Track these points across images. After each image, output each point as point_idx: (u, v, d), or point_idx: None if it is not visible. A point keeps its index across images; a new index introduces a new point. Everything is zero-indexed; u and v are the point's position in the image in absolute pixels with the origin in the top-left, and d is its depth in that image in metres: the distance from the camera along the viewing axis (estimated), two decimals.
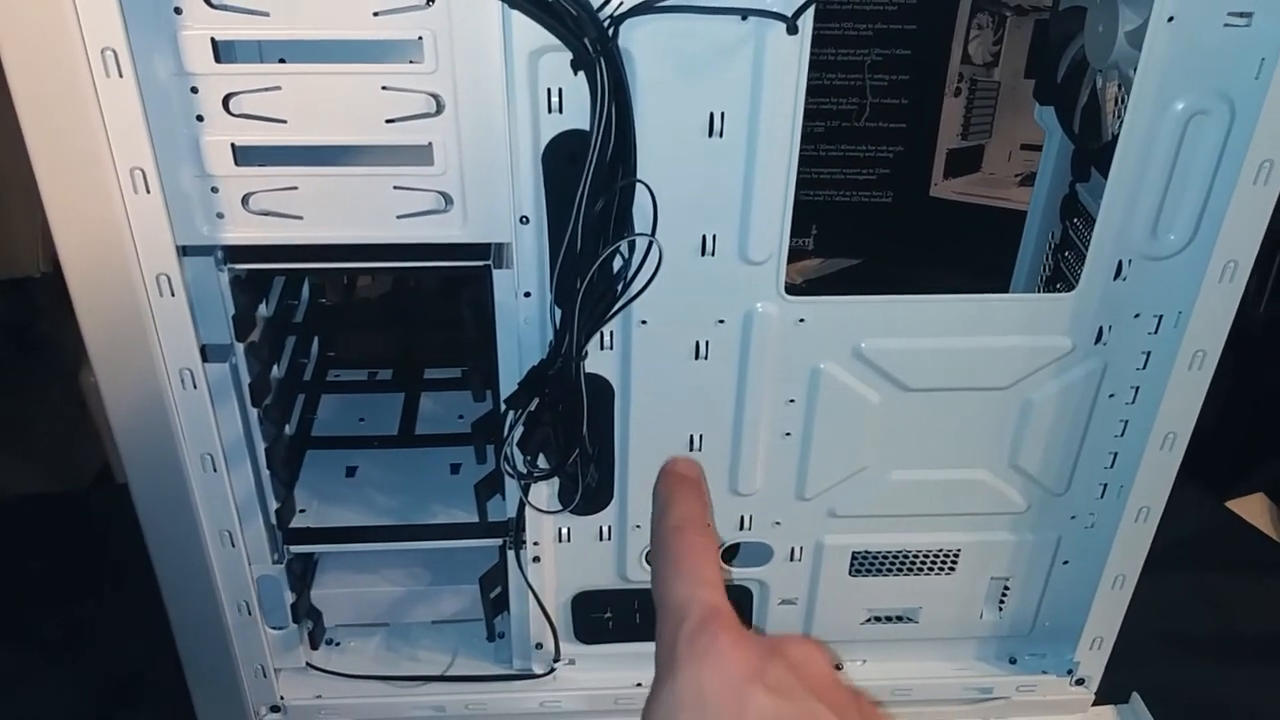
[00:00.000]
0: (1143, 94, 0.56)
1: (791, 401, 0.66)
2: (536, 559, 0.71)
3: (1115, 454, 0.69)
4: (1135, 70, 0.64)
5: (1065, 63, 0.74)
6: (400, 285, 0.82)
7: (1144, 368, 0.65)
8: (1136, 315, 0.63)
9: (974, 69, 1.33)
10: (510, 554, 0.72)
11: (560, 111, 0.56)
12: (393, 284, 0.85)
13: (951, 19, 1.14)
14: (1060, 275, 0.76)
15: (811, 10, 0.53)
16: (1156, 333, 0.64)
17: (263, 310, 0.69)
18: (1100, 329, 0.64)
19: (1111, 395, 0.66)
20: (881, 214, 1.28)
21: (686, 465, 0.59)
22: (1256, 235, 0.58)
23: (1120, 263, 0.62)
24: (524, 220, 0.59)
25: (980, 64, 1.34)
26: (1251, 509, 1.84)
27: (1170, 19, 0.54)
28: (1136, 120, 0.57)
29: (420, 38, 0.54)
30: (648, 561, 0.70)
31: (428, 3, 0.53)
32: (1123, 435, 0.68)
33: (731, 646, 0.41)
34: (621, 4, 0.52)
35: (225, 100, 0.55)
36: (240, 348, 0.63)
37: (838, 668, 0.80)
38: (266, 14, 0.53)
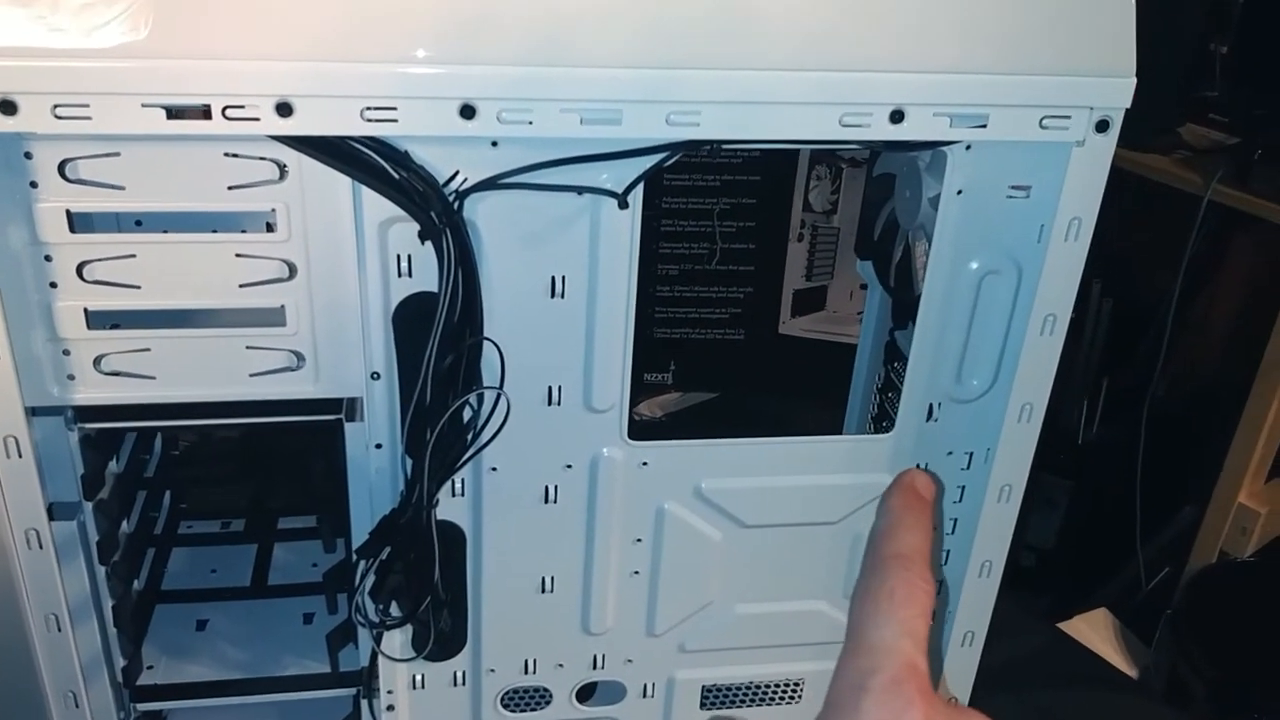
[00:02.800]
0: (940, 255, 0.63)
1: (638, 541, 0.69)
2: (390, 707, 0.71)
3: (941, 582, 0.74)
4: None
5: (880, 223, 0.81)
6: (252, 435, 0.83)
7: (960, 500, 0.70)
8: (950, 453, 0.69)
9: (815, 216, 1.43)
10: (364, 703, 0.72)
11: (410, 275, 0.59)
12: (244, 434, 0.85)
13: (792, 170, 1.22)
14: (884, 414, 0.82)
15: (641, 186, 0.58)
16: (969, 468, 0.69)
17: (113, 466, 0.69)
18: (917, 467, 0.69)
19: (934, 528, 0.71)
20: (735, 350, 1.34)
21: (926, 484, 0.51)
22: (1047, 379, 0.65)
23: (931, 405, 0.67)
24: (375, 376, 0.62)
25: (820, 211, 1.44)
26: (1095, 622, 1.93)
27: (959, 191, 0.61)
28: (937, 278, 0.64)
29: (274, 209, 0.57)
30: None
31: (281, 177, 0.56)
32: (946, 563, 0.73)
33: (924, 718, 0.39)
34: (465, 180, 0.56)
35: (79, 268, 0.56)
36: (88, 506, 0.63)
37: None
38: (123, 188, 0.55)
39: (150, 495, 0.75)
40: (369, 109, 0.51)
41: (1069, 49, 0.55)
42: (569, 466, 0.66)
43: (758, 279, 1.34)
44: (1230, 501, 1.90)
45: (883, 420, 0.82)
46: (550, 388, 0.63)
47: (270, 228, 0.57)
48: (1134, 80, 0.56)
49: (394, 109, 0.52)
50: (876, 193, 0.81)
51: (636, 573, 0.70)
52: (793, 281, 1.43)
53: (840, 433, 0.89)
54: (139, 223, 0.62)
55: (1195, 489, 1.97)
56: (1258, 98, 1.81)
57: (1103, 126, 0.57)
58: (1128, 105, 0.57)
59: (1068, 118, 0.56)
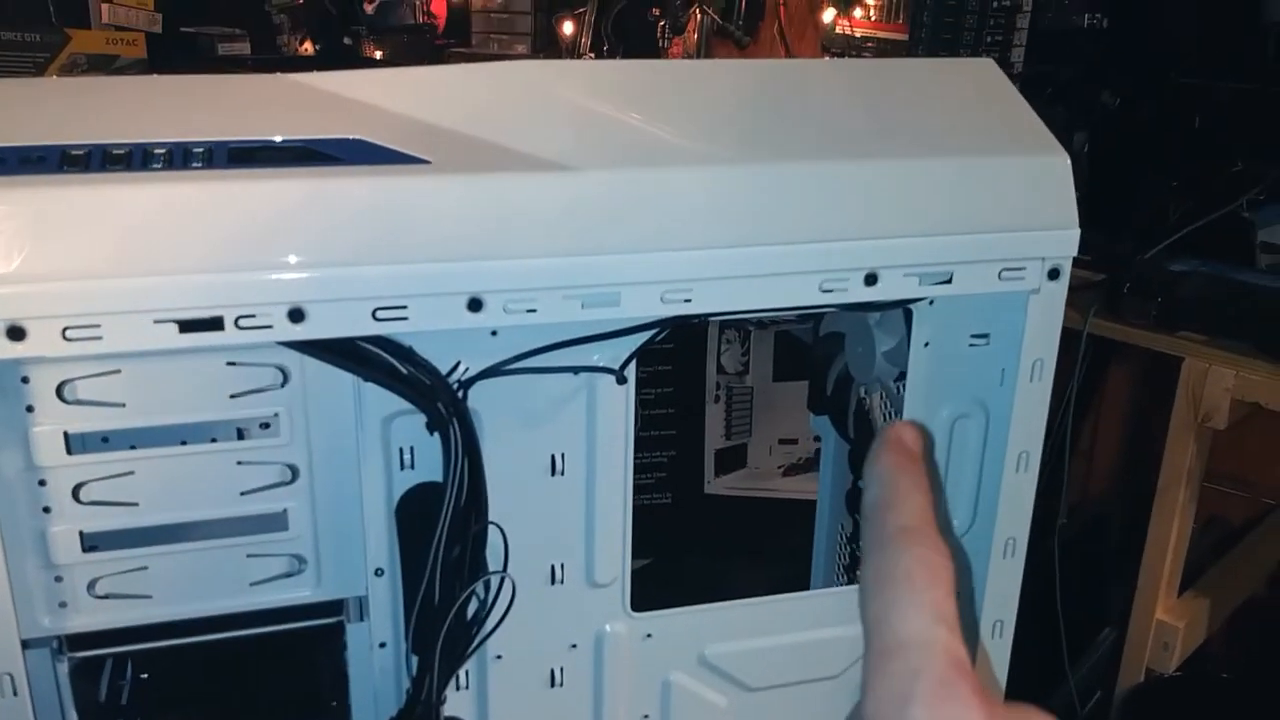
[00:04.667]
0: (914, 404, 0.66)
1: (646, 717, 0.68)
2: None
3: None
4: (895, 381, 0.75)
5: (832, 378, 0.85)
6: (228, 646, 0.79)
7: None
8: None
9: (728, 377, 1.47)
10: None
11: (412, 468, 0.59)
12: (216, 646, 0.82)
13: (703, 335, 1.26)
14: (858, 562, 0.84)
15: (635, 363, 0.60)
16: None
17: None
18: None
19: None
20: (663, 513, 1.35)
21: (913, 436, 0.41)
22: (1026, 514, 0.68)
23: None
24: (379, 572, 0.61)
25: (733, 372, 1.49)
26: None
27: (926, 344, 0.65)
28: None
29: (276, 414, 0.57)
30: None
31: (283, 382, 0.56)
32: None
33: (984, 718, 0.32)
34: (467, 370, 0.58)
35: (75, 489, 0.55)
36: None
37: None
38: (123, 404, 0.55)
39: None
40: (380, 309, 0.53)
41: (1021, 207, 0.60)
42: (574, 646, 0.66)
43: (680, 441, 1.37)
44: (1149, 620, 1.95)
45: (856, 569, 0.83)
46: (553, 566, 0.64)
47: (268, 431, 0.57)
48: (1078, 231, 0.61)
49: (405, 307, 0.53)
50: (825, 350, 0.85)
51: None
52: (713, 441, 1.47)
53: (806, 587, 0.90)
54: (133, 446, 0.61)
55: (1110, 611, 2.02)
56: (1116, 236, 1.97)
57: (1054, 274, 0.62)
58: (1074, 254, 0.62)
59: (1023, 269, 0.61)
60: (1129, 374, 2.15)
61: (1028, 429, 0.66)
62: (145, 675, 0.63)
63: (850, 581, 0.83)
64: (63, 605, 0.57)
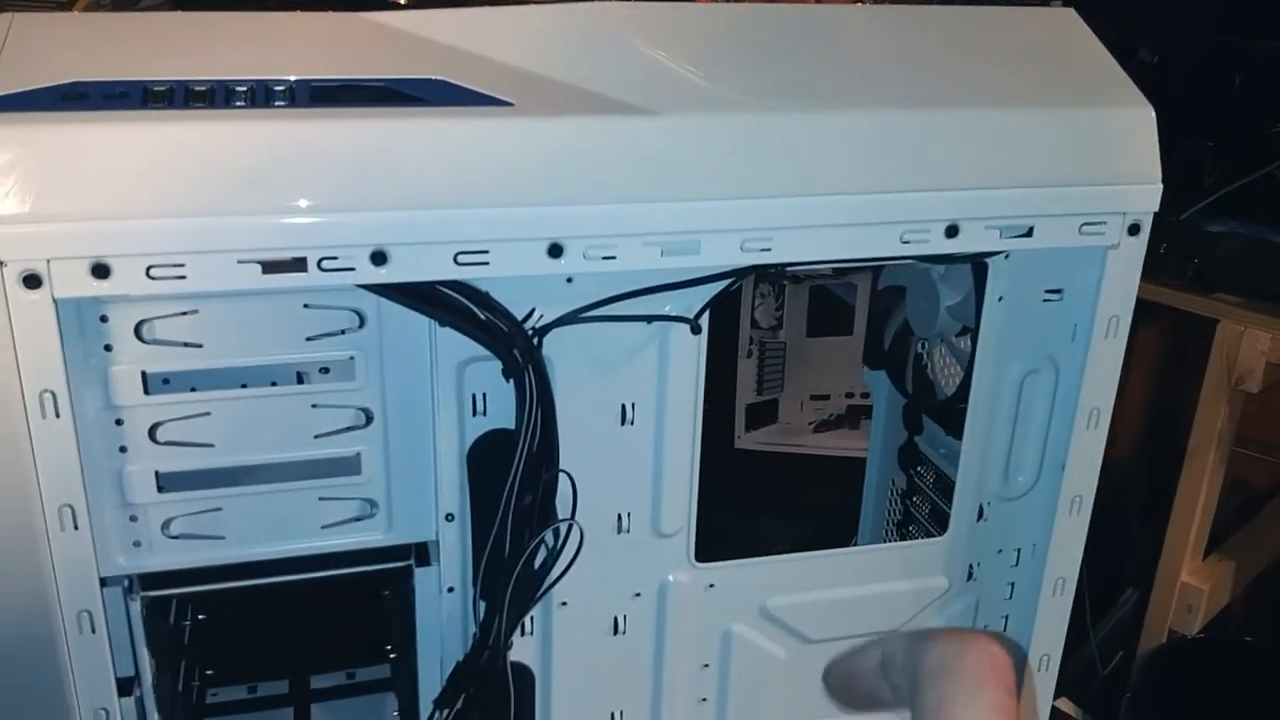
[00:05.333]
0: (984, 360, 0.66)
1: (706, 666, 0.68)
2: None
3: None
4: (957, 336, 0.75)
5: (890, 332, 0.84)
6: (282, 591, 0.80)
7: (1010, 598, 0.72)
8: (999, 551, 0.71)
9: (761, 332, 1.47)
10: None
11: (485, 414, 0.59)
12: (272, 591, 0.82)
13: (738, 290, 1.26)
14: (912, 518, 0.84)
15: (708, 313, 0.60)
16: (1017, 565, 0.71)
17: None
18: (970, 566, 0.71)
19: (986, 626, 0.73)
20: None
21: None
22: (1094, 471, 0.67)
23: (981, 505, 0.69)
24: (449, 517, 0.61)
25: (766, 327, 1.48)
26: (1057, 710, 1.95)
27: (1000, 298, 0.64)
28: (982, 382, 0.66)
29: (351, 357, 0.56)
30: None
31: (360, 325, 0.56)
32: None
33: None
34: (542, 316, 0.57)
35: (152, 429, 0.55)
36: (147, 681, 0.60)
37: None
38: (200, 345, 0.54)
39: (189, 664, 0.72)
40: (462, 253, 0.52)
41: (1104, 160, 0.59)
42: (638, 595, 0.66)
43: (711, 395, 1.36)
44: (1174, 582, 1.95)
45: (909, 524, 0.83)
46: (620, 515, 0.64)
47: (347, 375, 0.57)
48: (1160, 186, 0.60)
49: (486, 251, 0.52)
50: (884, 304, 0.85)
51: (704, 699, 0.69)
52: (745, 396, 1.46)
53: (843, 543, 0.90)
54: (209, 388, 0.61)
55: (1133, 572, 2.02)
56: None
57: (1134, 230, 0.61)
58: (1155, 209, 0.61)
59: (1104, 223, 0.60)
60: (1159, 334, 2.13)
61: (1100, 385, 0.65)
62: (214, 615, 0.64)
63: (903, 537, 0.83)
64: (137, 545, 0.57)
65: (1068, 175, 0.59)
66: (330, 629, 0.70)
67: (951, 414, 0.77)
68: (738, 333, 1.36)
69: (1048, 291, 0.64)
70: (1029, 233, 0.60)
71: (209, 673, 0.69)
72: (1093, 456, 0.67)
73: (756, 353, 1.49)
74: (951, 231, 0.58)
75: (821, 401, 1.56)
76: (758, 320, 1.48)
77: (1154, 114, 0.60)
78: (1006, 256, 0.63)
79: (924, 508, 0.82)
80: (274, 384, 0.58)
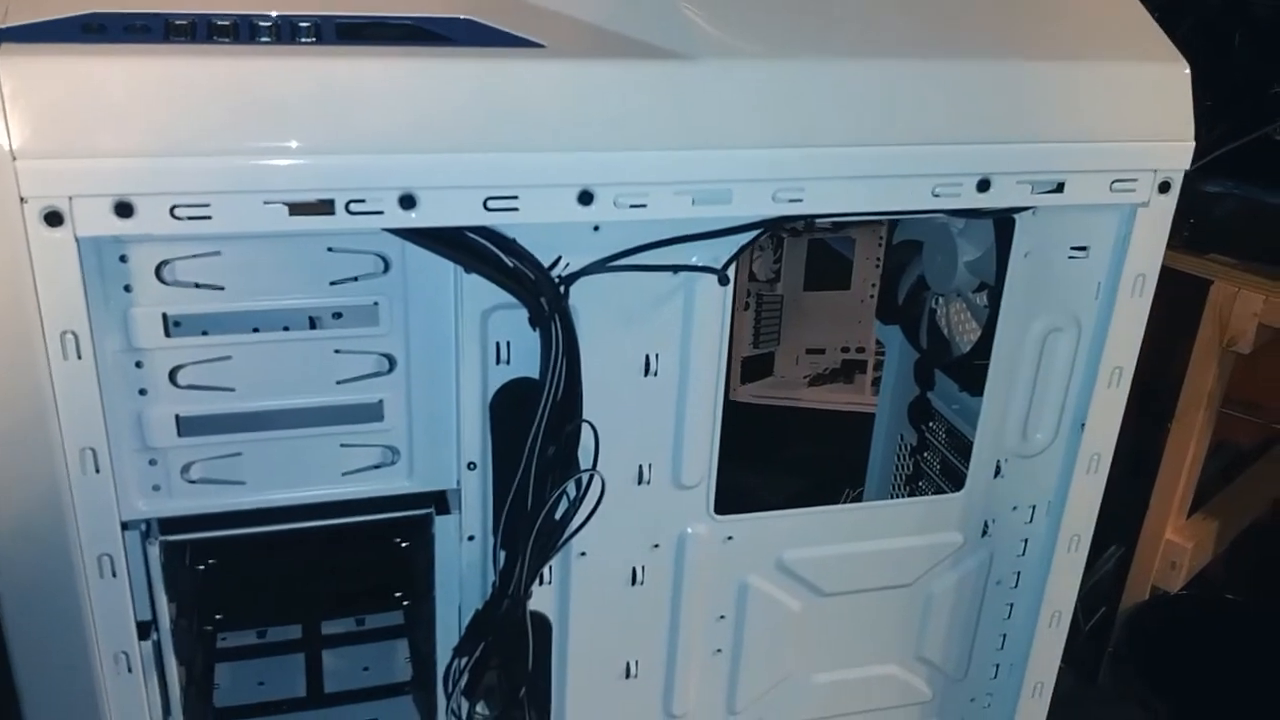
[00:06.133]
0: (1007, 316, 0.65)
1: (721, 618, 0.69)
2: None
3: (1004, 635, 0.75)
4: (974, 292, 0.74)
5: (905, 287, 0.84)
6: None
7: (1023, 554, 0.72)
8: (1014, 508, 0.71)
9: (759, 285, 1.46)
10: None
11: (508, 363, 0.58)
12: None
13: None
14: (922, 474, 0.84)
15: (735, 264, 0.59)
16: (1031, 522, 0.71)
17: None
18: (985, 523, 0.71)
19: (998, 582, 0.73)
20: None
21: None
22: (1114, 430, 0.67)
23: (998, 463, 0.69)
24: (471, 466, 0.60)
25: (764, 280, 1.47)
26: None
27: (1026, 254, 0.64)
28: (1004, 338, 0.66)
29: (376, 303, 0.56)
30: None
31: (385, 270, 0.55)
32: (1009, 617, 0.74)
33: None
34: (569, 265, 0.56)
35: (172, 373, 0.54)
36: (165, 625, 0.59)
37: None
38: (222, 288, 0.53)
39: (204, 608, 0.71)
40: (492, 198, 0.51)
41: (1137, 116, 0.59)
42: (656, 546, 0.66)
43: None
44: (1158, 539, 1.97)
45: (918, 479, 0.83)
46: (641, 466, 0.63)
47: (370, 320, 0.56)
48: (1193, 144, 0.60)
49: (516, 197, 0.51)
50: (900, 258, 0.84)
51: (719, 650, 0.70)
52: (741, 349, 1.46)
53: (860, 498, 0.90)
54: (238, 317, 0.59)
55: (1114, 529, 2.04)
56: None
57: (1164, 188, 0.61)
58: (1187, 167, 0.60)
59: (1135, 180, 0.60)
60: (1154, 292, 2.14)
61: (1124, 344, 0.65)
62: (230, 560, 0.63)
63: (913, 493, 0.83)
64: (157, 489, 0.56)
65: (1101, 131, 0.58)
66: (347, 575, 0.70)
67: (966, 370, 0.76)
68: (734, 285, 1.34)
69: (1073, 248, 0.64)
70: (1060, 188, 0.59)
71: (219, 618, 0.68)
72: (1113, 415, 0.67)
73: (754, 305, 1.48)
74: (983, 185, 0.58)
75: (817, 355, 1.56)
76: (755, 273, 1.47)
77: (1189, 70, 0.59)
78: (1034, 212, 0.62)
79: (934, 463, 0.82)
80: (290, 328, 0.57)
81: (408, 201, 0.50)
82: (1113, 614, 2.13)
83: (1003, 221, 0.64)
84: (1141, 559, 2.08)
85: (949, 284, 0.75)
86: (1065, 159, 0.58)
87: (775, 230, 0.58)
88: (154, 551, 0.58)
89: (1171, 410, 1.96)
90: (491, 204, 0.51)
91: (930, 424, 0.83)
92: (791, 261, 1.46)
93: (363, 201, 0.50)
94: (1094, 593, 2.20)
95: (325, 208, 0.50)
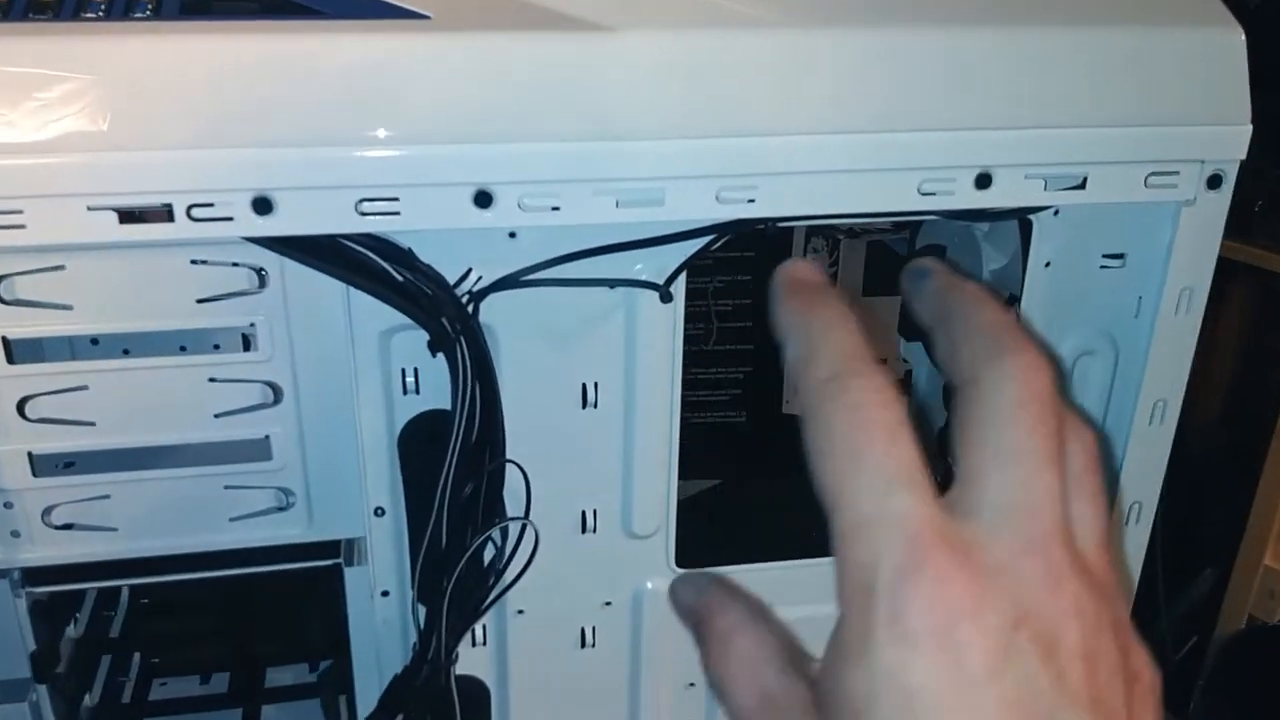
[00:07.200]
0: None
1: (691, 685, 0.59)
2: None
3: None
4: (1005, 305, 0.63)
5: None
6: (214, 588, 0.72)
7: None
8: None
9: None
10: None
11: (417, 393, 0.50)
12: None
13: (788, 243, 1.16)
14: None
15: (684, 276, 0.50)
16: None
17: (71, 631, 0.59)
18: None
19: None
20: (737, 433, 1.26)
21: (805, 269, 0.32)
22: (1157, 476, 0.56)
23: None
24: (379, 512, 0.52)
25: None
26: None
27: (1047, 264, 0.53)
28: None
29: (253, 324, 0.48)
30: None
31: (260, 286, 0.47)
32: None
33: (965, 617, 0.24)
34: (480, 279, 0.48)
35: (20, 404, 0.47)
36: (42, 688, 0.53)
37: None
38: (70, 307, 0.46)
39: (116, 658, 0.65)
40: (365, 200, 0.43)
41: (1178, 94, 0.48)
42: (608, 604, 0.57)
43: (758, 357, 1.27)
44: (1256, 565, 1.82)
45: None
46: (584, 512, 0.54)
47: (249, 345, 0.48)
48: (1249, 128, 0.48)
49: (395, 199, 0.43)
50: None
51: None
52: None
53: None
54: (95, 341, 0.53)
55: (1211, 551, 1.89)
56: (1254, 151, 1.78)
57: (1215, 182, 0.49)
58: (1243, 157, 0.49)
59: (1175, 173, 0.49)
60: (1249, 298, 1.98)
61: (1168, 372, 0.54)
62: (116, 613, 0.56)
63: None
64: (15, 535, 0.49)
65: (1131, 112, 0.47)
66: (257, 630, 0.63)
67: None
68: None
69: (1106, 256, 0.53)
70: (1082, 184, 0.48)
71: (121, 679, 0.61)
72: (1157, 457, 0.56)
73: None
74: (983, 181, 0.47)
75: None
76: None
77: (1243, 37, 0.48)
78: (1056, 213, 0.52)
79: None
80: (174, 352, 0.49)
81: (263, 205, 0.42)
82: (1205, 643, 1.97)
83: (1025, 224, 0.54)
84: (1238, 585, 1.92)
85: None
86: (1087, 147, 0.48)
87: (731, 235, 0.49)
88: (22, 605, 0.51)
89: (1272, 421, 1.80)
90: (366, 207, 0.43)
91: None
92: (849, 264, 1.36)
93: (208, 206, 0.42)
94: (1186, 618, 2.04)
95: (163, 214, 0.42)
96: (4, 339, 0.46)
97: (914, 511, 0.26)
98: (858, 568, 0.26)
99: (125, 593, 0.67)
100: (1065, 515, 0.26)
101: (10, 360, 0.46)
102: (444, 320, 0.47)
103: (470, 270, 0.48)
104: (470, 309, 0.48)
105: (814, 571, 0.58)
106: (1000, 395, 0.27)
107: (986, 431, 0.27)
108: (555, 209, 0.45)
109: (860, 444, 0.27)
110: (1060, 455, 0.27)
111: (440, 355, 0.48)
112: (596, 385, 0.51)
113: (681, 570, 0.56)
